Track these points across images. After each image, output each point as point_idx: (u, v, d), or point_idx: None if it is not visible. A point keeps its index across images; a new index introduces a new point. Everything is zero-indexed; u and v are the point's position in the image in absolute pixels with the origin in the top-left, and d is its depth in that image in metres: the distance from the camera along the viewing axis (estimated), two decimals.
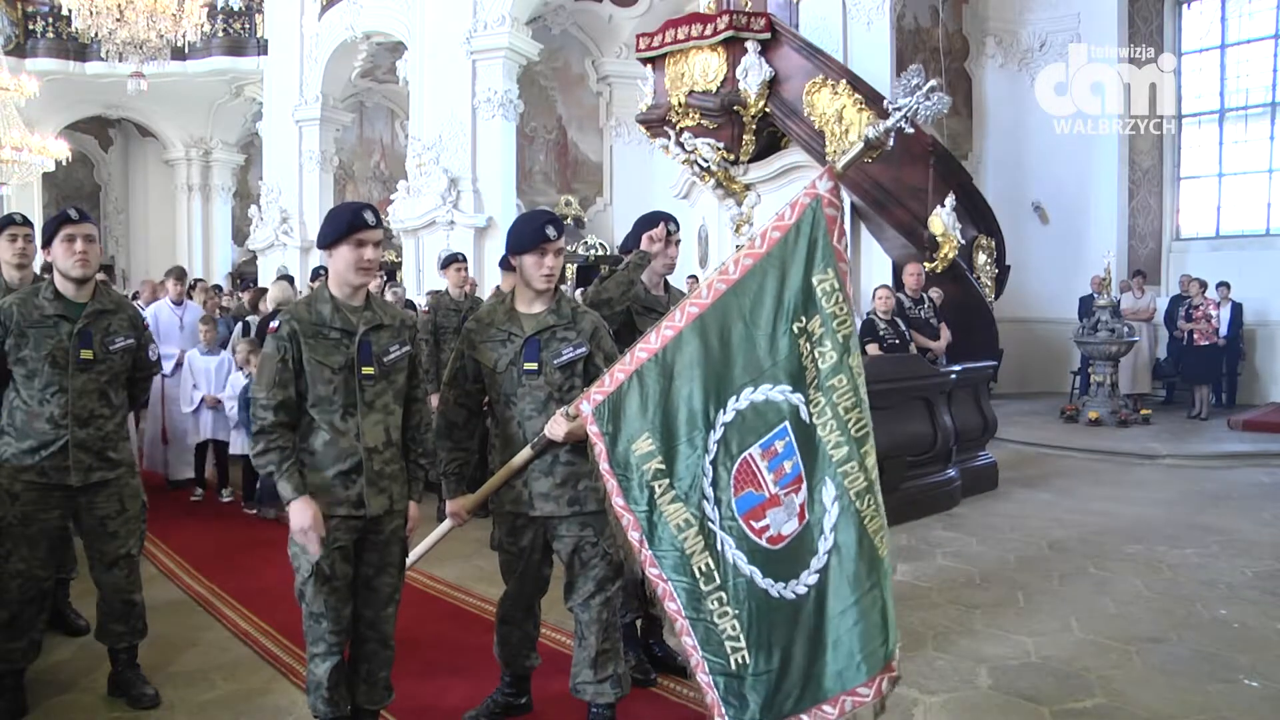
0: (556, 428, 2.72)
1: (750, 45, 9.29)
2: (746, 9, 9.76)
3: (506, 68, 12.80)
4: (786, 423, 2.40)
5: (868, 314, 7.33)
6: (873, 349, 6.80)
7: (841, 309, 2.37)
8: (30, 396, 3.09)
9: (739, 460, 2.43)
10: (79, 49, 16.41)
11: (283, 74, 15.86)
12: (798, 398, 2.39)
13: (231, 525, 5.93)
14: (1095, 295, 10.00)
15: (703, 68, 9.53)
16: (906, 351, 6.82)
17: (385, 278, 11.42)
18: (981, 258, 9.41)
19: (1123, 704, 3.25)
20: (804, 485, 2.37)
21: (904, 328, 7.02)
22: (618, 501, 2.53)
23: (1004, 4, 12.49)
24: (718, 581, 2.43)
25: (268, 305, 7.45)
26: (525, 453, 2.84)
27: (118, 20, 11.87)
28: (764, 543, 2.39)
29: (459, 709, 3.17)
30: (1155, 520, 5.94)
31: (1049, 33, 12.19)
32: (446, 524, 3.02)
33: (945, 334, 7.42)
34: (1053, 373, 11.80)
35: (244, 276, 18.21)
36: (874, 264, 9.65)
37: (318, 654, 2.73)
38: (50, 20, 16.51)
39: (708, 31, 9.43)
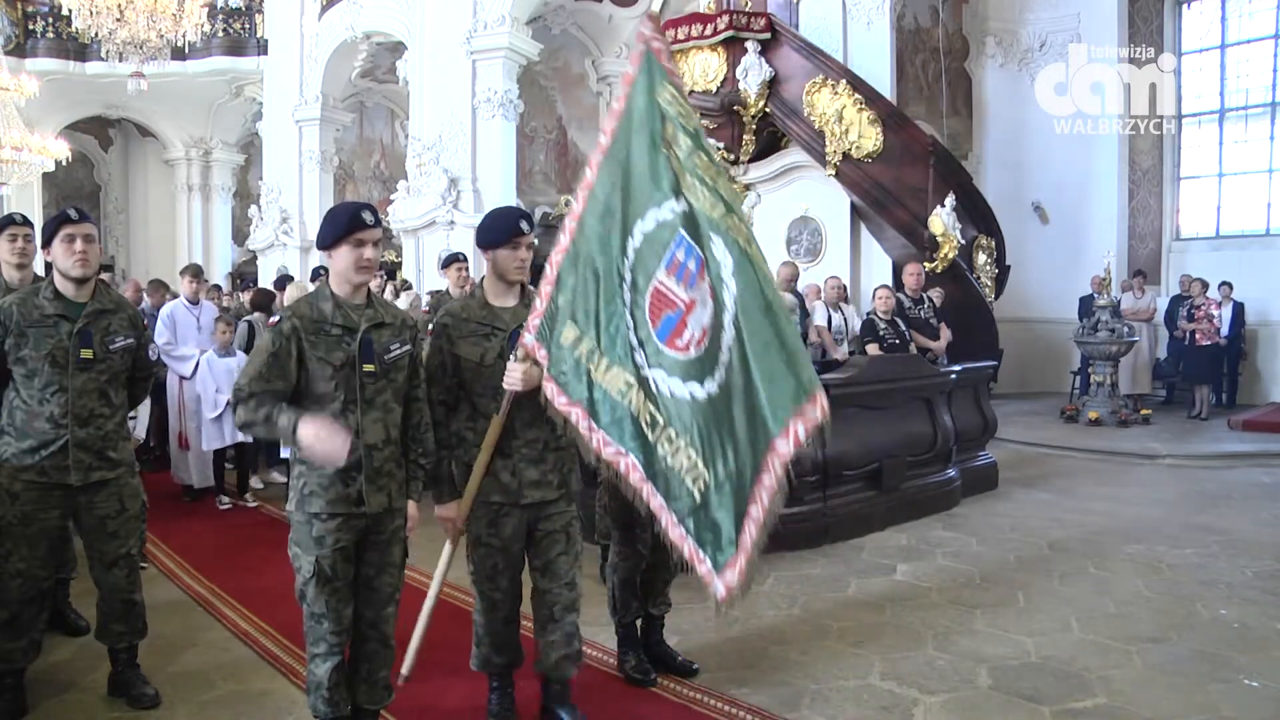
0: (512, 376, 2.78)
1: (750, 45, 9.30)
2: (746, 9, 9.77)
3: (506, 68, 12.79)
4: (680, 230, 2.49)
5: (868, 314, 7.34)
6: (873, 349, 6.80)
7: (684, 108, 2.56)
8: (30, 396, 3.08)
9: (649, 293, 2.53)
10: (79, 49, 16.37)
11: (283, 74, 15.85)
12: (680, 203, 2.50)
13: (231, 525, 5.93)
14: (1095, 295, 10.00)
15: (703, 68, 9.53)
16: (906, 351, 6.81)
17: (385, 277, 11.42)
18: (981, 258, 9.42)
19: (1123, 704, 3.25)
20: (707, 267, 2.46)
21: (904, 328, 7.02)
22: (560, 401, 2.64)
23: (1004, 4, 12.49)
24: (662, 422, 2.49)
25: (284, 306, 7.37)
26: (496, 422, 2.86)
27: (118, 20, 11.85)
28: (693, 353, 2.45)
29: (459, 709, 3.17)
30: (1155, 520, 5.94)
31: (1049, 33, 12.20)
32: (448, 548, 2.98)
33: (945, 334, 7.42)
34: (1053, 373, 11.80)
35: (244, 276, 18.19)
36: (874, 264, 9.65)
37: (318, 654, 2.73)
38: (50, 20, 16.47)
39: (708, 31, 9.44)
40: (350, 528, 2.71)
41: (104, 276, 4.71)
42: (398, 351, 2.79)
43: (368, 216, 2.69)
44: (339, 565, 2.70)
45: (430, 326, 6.02)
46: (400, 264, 14.16)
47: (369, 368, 2.71)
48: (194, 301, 6.82)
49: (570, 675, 3.05)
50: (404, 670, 2.93)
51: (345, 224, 2.67)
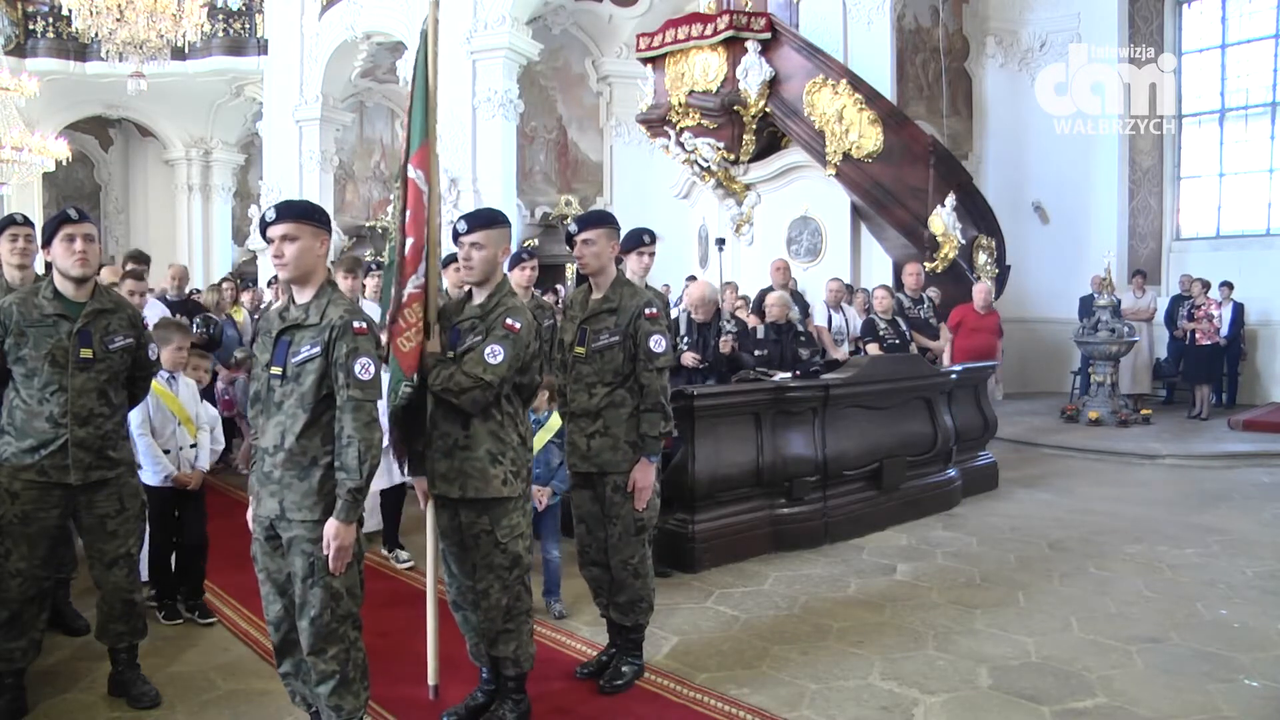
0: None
1: (750, 45, 9.29)
2: (747, 9, 9.77)
3: (507, 67, 12.79)
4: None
5: (868, 314, 7.34)
6: (873, 348, 6.81)
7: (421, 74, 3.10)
8: (30, 395, 3.08)
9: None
10: (79, 49, 16.37)
11: (283, 74, 15.85)
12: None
13: (231, 525, 5.91)
14: (1095, 295, 10.00)
15: (703, 68, 9.52)
16: (906, 351, 6.82)
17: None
18: (981, 258, 9.42)
19: (1123, 704, 3.25)
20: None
21: (904, 327, 7.03)
22: None
23: (1004, 4, 12.49)
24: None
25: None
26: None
27: (118, 20, 11.86)
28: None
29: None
30: (1155, 520, 5.94)
31: (1049, 32, 12.20)
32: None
33: (946, 334, 7.42)
34: (1053, 373, 11.80)
35: (244, 276, 18.19)
36: (874, 264, 9.65)
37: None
38: (50, 20, 16.47)
39: (708, 31, 9.43)
40: (258, 524, 2.75)
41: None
42: (305, 354, 2.60)
43: (271, 214, 2.65)
44: (258, 557, 2.76)
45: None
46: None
47: (275, 370, 2.66)
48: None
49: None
50: (432, 680, 2.99)
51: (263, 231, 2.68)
